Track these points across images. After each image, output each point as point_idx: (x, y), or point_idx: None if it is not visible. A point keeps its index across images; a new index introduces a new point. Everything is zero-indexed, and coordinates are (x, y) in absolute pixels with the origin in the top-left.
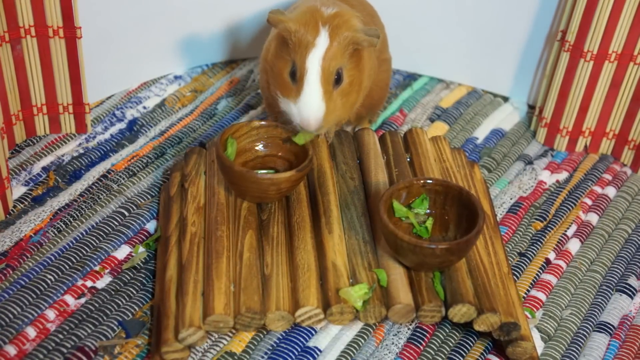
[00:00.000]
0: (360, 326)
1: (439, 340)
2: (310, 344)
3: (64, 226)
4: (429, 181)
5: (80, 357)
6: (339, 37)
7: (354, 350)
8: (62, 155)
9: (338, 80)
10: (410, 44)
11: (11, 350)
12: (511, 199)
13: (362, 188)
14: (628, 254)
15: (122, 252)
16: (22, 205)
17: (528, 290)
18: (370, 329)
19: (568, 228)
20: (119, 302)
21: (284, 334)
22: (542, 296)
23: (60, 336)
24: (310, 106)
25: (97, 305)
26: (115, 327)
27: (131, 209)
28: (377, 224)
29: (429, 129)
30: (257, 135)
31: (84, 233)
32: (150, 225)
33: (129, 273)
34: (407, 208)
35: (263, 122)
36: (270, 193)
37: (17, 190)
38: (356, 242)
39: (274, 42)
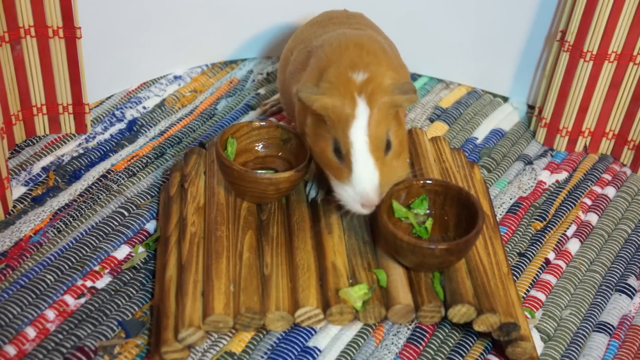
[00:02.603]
0: (359, 326)
1: (438, 341)
2: (310, 344)
3: (63, 226)
4: (428, 181)
5: (80, 357)
6: (378, 104)
7: (354, 350)
8: (62, 156)
9: (388, 145)
10: (410, 44)
11: (11, 350)
12: (511, 199)
13: None
14: (628, 254)
15: (121, 252)
16: (22, 205)
17: (528, 291)
18: (369, 329)
19: (568, 228)
20: (119, 302)
21: (283, 334)
22: (541, 296)
23: (60, 336)
24: (365, 179)
25: (96, 305)
26: (115, 327)
27: (131, 209)
28: (376, 224)
29: (429, 129)
30: (258, 136)
31: (84, 233)
32: (150, 225)
33: (129, 273)
34: (406, 208)
35: (263, 123)
36: (269, 193)
37: (17, 190)
38: (356, 242)
39: (312, 119)
